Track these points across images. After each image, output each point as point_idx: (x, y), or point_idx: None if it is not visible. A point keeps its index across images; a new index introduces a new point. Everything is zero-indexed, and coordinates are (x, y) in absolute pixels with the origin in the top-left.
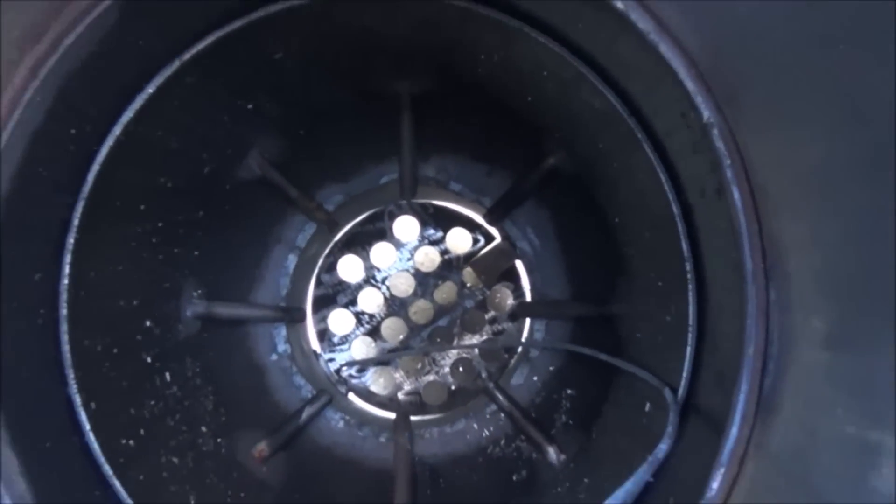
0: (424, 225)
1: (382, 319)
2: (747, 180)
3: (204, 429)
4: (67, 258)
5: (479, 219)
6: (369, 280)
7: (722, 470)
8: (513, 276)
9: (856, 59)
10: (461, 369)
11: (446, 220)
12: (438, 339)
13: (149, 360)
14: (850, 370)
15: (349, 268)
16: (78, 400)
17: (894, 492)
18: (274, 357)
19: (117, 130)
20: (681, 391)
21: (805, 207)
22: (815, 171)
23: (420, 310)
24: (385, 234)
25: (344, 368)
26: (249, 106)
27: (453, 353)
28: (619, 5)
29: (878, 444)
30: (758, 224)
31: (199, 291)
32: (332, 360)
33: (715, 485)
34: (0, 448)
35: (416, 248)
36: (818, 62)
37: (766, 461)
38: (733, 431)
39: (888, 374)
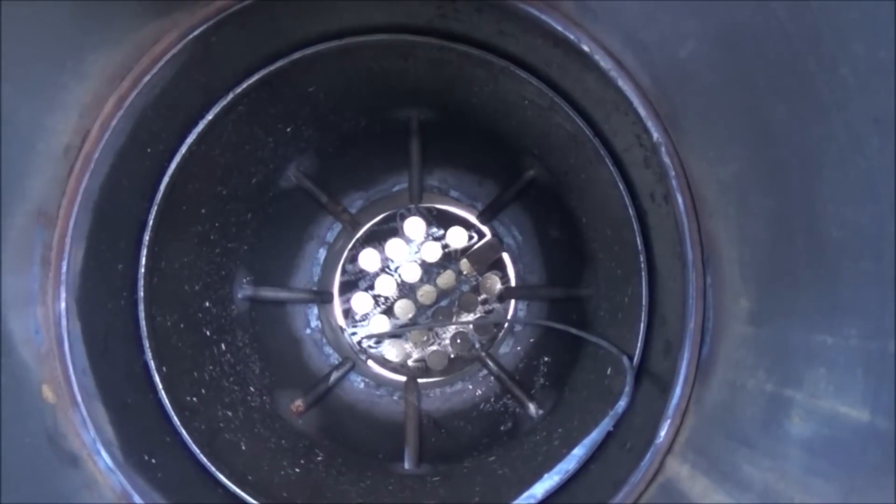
0: (429, 224)
1: (395, 301)
2: (688, 189)
3: (252, 388)
4: (144, 251)
5: (473, 219)
6: (384, 269)
7: (668, 421)
8: (500, 266)
9: (766, 94)
10: (459, 341)
11: (447, 221)
12: (441, 317)
13: (208, 333)
14: (769, 341)
15: (368, 259)
16: (152, 365)
17: (802, 434)
18: (308, 331)
19: (183, 149)
20: (636, 358)
21: (731, 210)
22: (735, 183)
23: (426, 293)
24: (397, 232)
25: (364, 340)
26: (289, 130)
27: (452, 328)
28: (585, 48)
29: (790, 399)
30: (697, 224)
31: (249, 278)
32: (354, 333)
33: (663, 433)
34: (93, 403)
35: (422, 243)
36: (738, 95)
37: (703, 413)
38: (677, 390)
39: (797, 344)
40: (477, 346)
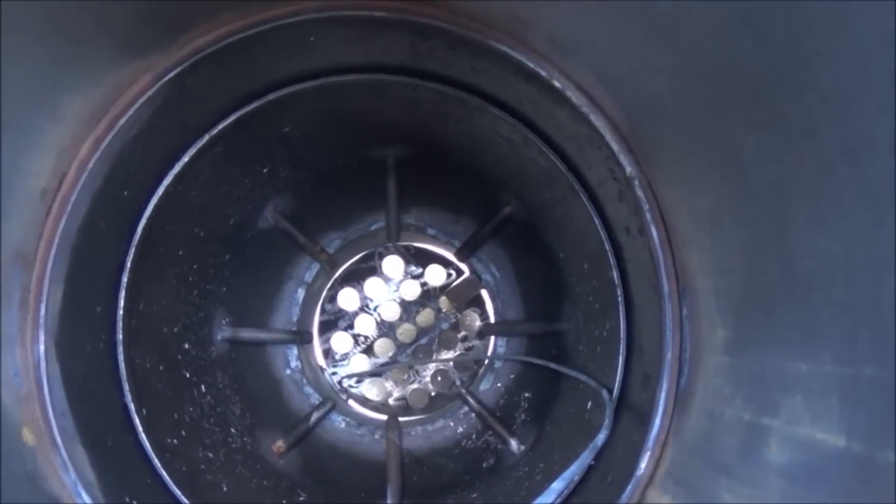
0: (407, 263)
1: (375, 340)
2: (662, 221)
3: (233, 429)
4: (122, 293)
5: (451, 257)
6: (364, 308)
7: (648, 453)
8: (479, 303)
9: (735, 125)
10: (439, 378)
11: (425, 259)
12: (421, 355)
13: (188, 374)
14: (746, 370)
15: (347, 298)
16: (132, 407)
17: (780, 462)
18: (288, 371)
19: (160, 191)
20: (615, 391)
21: (705, 242)
22: (708, 214)
23: (405, 331)
24: (376, 271)
25: (344, 380)
26: (265, 170)
27: (433, 366)
28: (557, 84)
29: (767, 427)
30: (672, 256)
31: (228, 319)
32: (334, 373)
33: (643, 465)
34: (73, 445)
35: (401, 282)
36: (709, 127)
37: (682, 444)
38: (656, 422)
39: (773, 372)
40: (457, 383)
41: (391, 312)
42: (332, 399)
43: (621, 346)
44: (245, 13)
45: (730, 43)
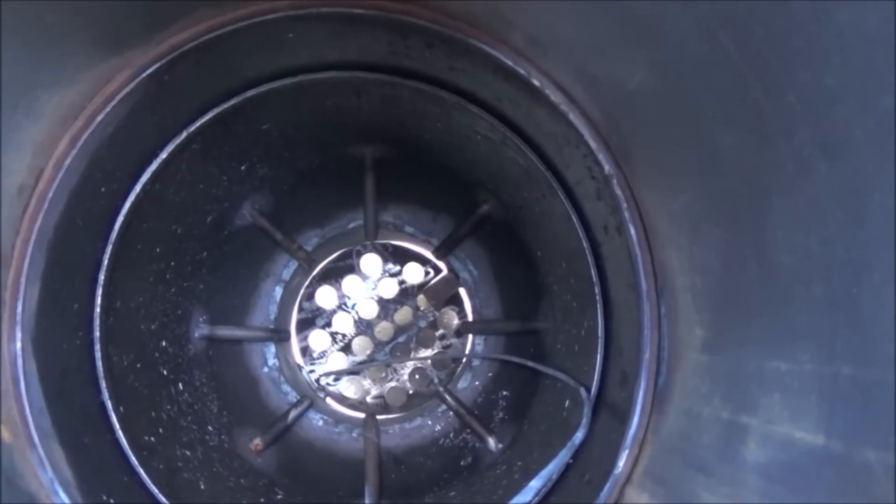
0: (385, 261)
1: (353, 338)
2: (640, 220)
3: (210, 427)
4: (99, 291)
5: (428, 255)
6: (341, 306)
7: (626, 451)
8: (457, 301)
9: (714, 124)
10: (417, 377)
11: (403, 257)
12: (398, 353)
13: (165, 372)
14: (724, 368)
15: (325, 296)
16: (109, 405)
17: (758, 460)
18: (266, 369)
19: (138, 188)
20: (593, 389)
21: (682, 240)
22: (686, 212)
23: (383, 329)
24: (354, 269)
25: (322, 378)
26: (243, 167)
27: (411, 364)
28: (536, 82)
29: (745, 425)
30: (650, 254)
31: (205, 317)
32: (312, 371)
33: (621, 463)
34: (50, 443)
35: (379, 280)
36: (687, 126)
37: (661, 442)
38: (635, 420)
39: (751, 370)
40: (435, 381)
41: (369, 310)
42: (310, 397)
43: (599, 345)
44: (223, 10)
45: (709, 42)
